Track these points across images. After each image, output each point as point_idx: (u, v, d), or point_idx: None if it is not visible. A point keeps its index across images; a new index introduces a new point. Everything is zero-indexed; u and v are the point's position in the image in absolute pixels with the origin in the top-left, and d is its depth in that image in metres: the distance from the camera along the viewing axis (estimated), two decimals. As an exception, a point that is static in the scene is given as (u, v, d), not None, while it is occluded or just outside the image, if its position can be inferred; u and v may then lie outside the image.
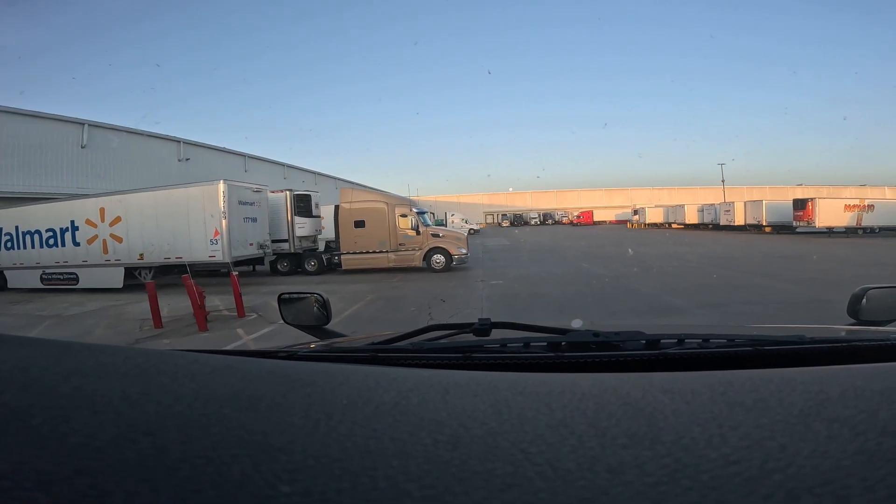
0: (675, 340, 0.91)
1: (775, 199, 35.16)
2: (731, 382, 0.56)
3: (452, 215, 49.21)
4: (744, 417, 0.46)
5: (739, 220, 34.59)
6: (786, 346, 0.87)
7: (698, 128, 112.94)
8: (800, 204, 29.53)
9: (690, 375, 0.64)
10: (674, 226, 45.40)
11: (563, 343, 0.91)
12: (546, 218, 69.18)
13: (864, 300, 1.36)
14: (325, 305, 1.60)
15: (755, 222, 33.12)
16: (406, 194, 73.94)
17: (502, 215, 75.06)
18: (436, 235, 13.95)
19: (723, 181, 59.98)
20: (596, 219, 64.83)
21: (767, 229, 32.52)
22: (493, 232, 49.21)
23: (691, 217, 42.47)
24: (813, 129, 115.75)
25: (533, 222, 67.04)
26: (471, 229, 47.71)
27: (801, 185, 66.41)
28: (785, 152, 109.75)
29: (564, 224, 61.34)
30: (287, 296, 1.67)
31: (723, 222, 36.08)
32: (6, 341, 0.62)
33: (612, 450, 0.40)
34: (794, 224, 29.47)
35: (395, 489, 0.35)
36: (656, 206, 52.38)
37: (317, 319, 1.60)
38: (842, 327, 1.36)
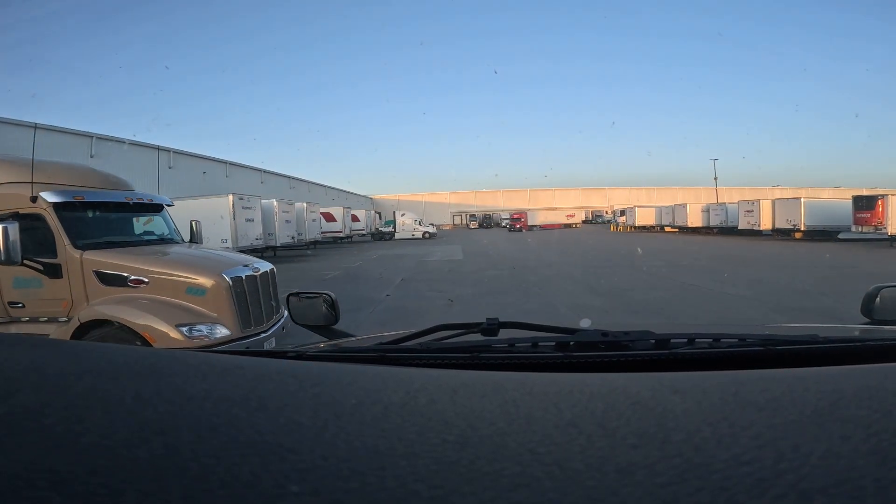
0: (685, 340, 0.89)
1: (814, 198, 27.34)
2: (743, 382, 0.55)
3: (402, 215, 39.49)
4: (755, 417, 0.45)
5: (766, 224, 26.49)
6: (798, 346, 0.85)
7: (694, 128, 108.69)
8: (864, 203, 21.48)
9: (701, 375, 0.63)
10: (667, 229, 37.73)
11: (571, 343, 0.89)
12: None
13: (878, 299, 1.33)
14: (333, 305, 1.56)
15: (789, 226, 25.17)
16: (368, 193, 66.68)
17: (470, 216, 68.62)
18: (112, 280, 3.99)
19: (715, 179, 53.43)
20: (540, 221, 53.09)
21: (798, 235, 24.69)
22: (456, 236, 39.82)
23: (694, 219, 34.35)
24: (792, 132, 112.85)
25: (504, 223, 58.94)
26: (425, 233, 38.41)
27: (777, 185, 65.31)
28: (765, 153, 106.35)
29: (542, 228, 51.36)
30: (296, 295, 1.64)
31: (742, 225, 27.95)
32: (21, 342, 0.64)
33: (622, 450, 0.39)
34: (856, 228, 21.41)
35: (404, 489, 0.34)
36: (648, 206, 44.21)
37: (325, 319, 1.56)
38: (855, 326, 1.34)
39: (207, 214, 15.81)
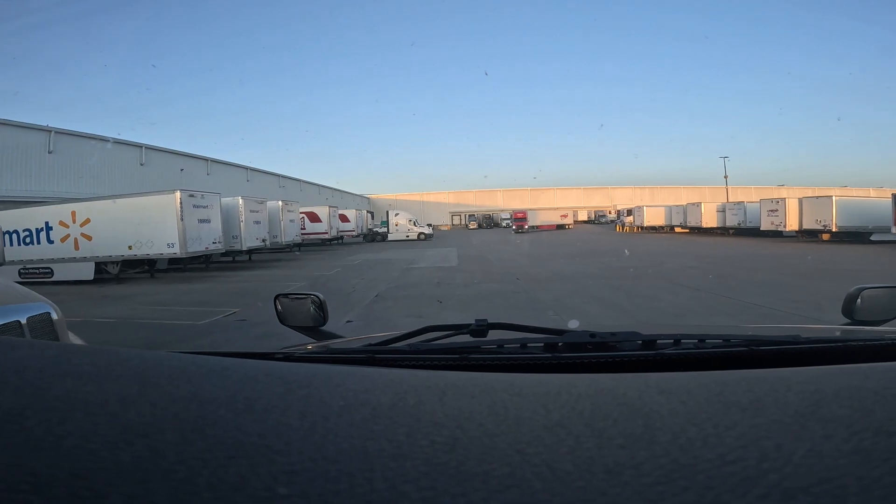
0: (672, 341, 0.91)
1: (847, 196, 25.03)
2: (727, 382, 0.56)
3: (396, 215, 37.02)
4: (740, 417, 0.46)
5: (792, 224, 24.10)
6: (781, 346, 0.87)
7: (690, 127, 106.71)
8: (910, 200, 18.91)
9: (686, 376, 0.64)
10: (677, 230, 35.38)
11: (559, 344, 0.90)
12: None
13: (859, 300, 1.35)
14: (321, 306, 1.57)
15: (819, 226, 22.79)
16: (364, 192, 64.55)
17: (470, 216, 65.93)
18: None
19: (725, 177, 51.16)
20: (538, 221, 48.64)
21: (826, 237, 22.36)
22: (453, 237, 37.42)
23: (709, 219, 31.93)
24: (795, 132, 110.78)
25: (504, 224, 56.67)
26: (420, 234, 35.98)
27: (783, 185, 64.05)
28: (770, 154, 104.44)
29: (543, 229, 48.14)
30: (284, 296, 1.64)
31: (765, 226, 25.55)
32: (0, 343, 0.63)
33: (609, 450, 0.40)
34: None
35: (393, 491, 0.34)
36: (657, 206, 41.81)
37: (314, 321, 1.57)
38: (837, 327, 1.36)
39: (152, 214, 13.36)
